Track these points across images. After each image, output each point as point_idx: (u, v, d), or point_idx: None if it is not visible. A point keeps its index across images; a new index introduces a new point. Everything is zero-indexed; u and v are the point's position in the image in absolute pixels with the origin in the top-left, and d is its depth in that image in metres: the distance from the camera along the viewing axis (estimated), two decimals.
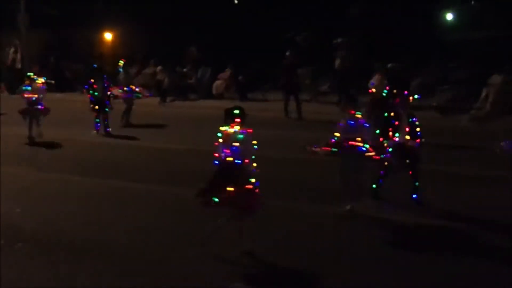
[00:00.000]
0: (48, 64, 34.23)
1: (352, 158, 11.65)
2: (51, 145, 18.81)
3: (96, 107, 21.17)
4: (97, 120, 21.14)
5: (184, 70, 33.07)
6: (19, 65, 34.64)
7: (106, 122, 21.27)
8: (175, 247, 10.31)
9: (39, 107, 19.17)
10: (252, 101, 30.34)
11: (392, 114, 12.08)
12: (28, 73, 20.38)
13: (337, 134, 11.80)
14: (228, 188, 9.63)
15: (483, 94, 21.96)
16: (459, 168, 15.46)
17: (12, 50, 35.78)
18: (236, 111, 9.92)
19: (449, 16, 41.70)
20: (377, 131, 12.04)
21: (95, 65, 23.68)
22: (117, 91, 22.95)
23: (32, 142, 18.78)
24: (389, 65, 27.44)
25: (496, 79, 21.37)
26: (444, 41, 37.29)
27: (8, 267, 9.16)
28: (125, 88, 22.90)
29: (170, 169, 16.22)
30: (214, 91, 32.20)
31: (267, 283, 9.26)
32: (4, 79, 34.99)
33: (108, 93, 22.00)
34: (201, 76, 33.37)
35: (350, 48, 29.16)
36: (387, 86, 19.60)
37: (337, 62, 28.89)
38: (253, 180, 9.79)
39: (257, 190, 9.82)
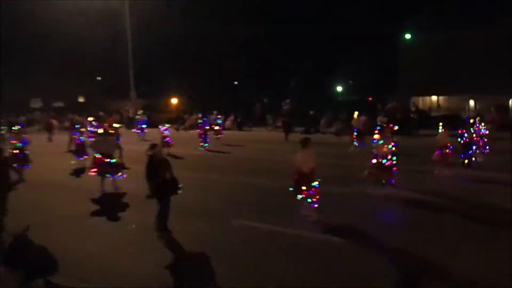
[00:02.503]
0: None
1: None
2: (175, 157, 16.65)
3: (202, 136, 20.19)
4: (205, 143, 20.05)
5: (212, 116, 34.91)
6: (131, 116, 34.44)
7: (207, 143, 20.08)
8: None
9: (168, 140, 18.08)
10: (245, 131, 31.20)
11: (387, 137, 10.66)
12: (163, 123, 19.16)
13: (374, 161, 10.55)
14: (309, 186, 8.41)
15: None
16: None
17: (127, 107, 36.22)
18: (308, 139, 8.89)
19: (339, 88, 43.84)
20: (381, 142, 10.57)
21: (200, 114, 22.94)
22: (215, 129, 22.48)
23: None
24: (310, 111, 29.43)
25: (362, 118, 21.31)
26: (336, 100, 39.47)
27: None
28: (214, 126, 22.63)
29: (251, 168, 15.04)
30: (225, 127, 33.70)
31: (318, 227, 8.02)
32: (126, 123, 32.68)
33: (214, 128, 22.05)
34: (213, 118, 35.09)
35: (291, 104, 30.68)
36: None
37: (285, 109, 30.46)
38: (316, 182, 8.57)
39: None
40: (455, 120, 21.10)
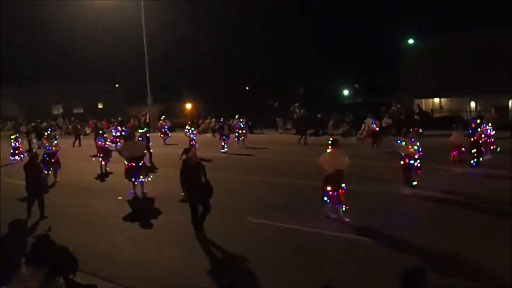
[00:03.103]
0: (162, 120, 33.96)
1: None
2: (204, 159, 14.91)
3: (224, 138, 20.13)
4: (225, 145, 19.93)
5: (234, 121, 34.32)
6: (148, 120, 34.02)
7: (226, 145, 19.95)
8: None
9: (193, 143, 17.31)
10: (255, 134, 30.36)
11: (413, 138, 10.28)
12: (188, 126, 18.89)
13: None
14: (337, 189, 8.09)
15: (362, 127, 22.00)
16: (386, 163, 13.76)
17: (145, 113, 35.51)
18: (336, 140, 8.53)
19: (346, 91, 43.86)
20: (403, 143, 10.23)
21: (222, 118, 23.20)
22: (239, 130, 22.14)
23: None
24: (318, 115, 28.65)
25: (368, 120, 22.64)
26: (343, 102, 39.26)
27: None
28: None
29: (274, 169, 14.64)
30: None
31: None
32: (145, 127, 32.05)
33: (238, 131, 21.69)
34: (235, 123, 34.99)
35: (301, 108, 30.45)
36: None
37: (296, 114, 29.90)
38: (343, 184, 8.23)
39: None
40: (457, 121, 20.83)
